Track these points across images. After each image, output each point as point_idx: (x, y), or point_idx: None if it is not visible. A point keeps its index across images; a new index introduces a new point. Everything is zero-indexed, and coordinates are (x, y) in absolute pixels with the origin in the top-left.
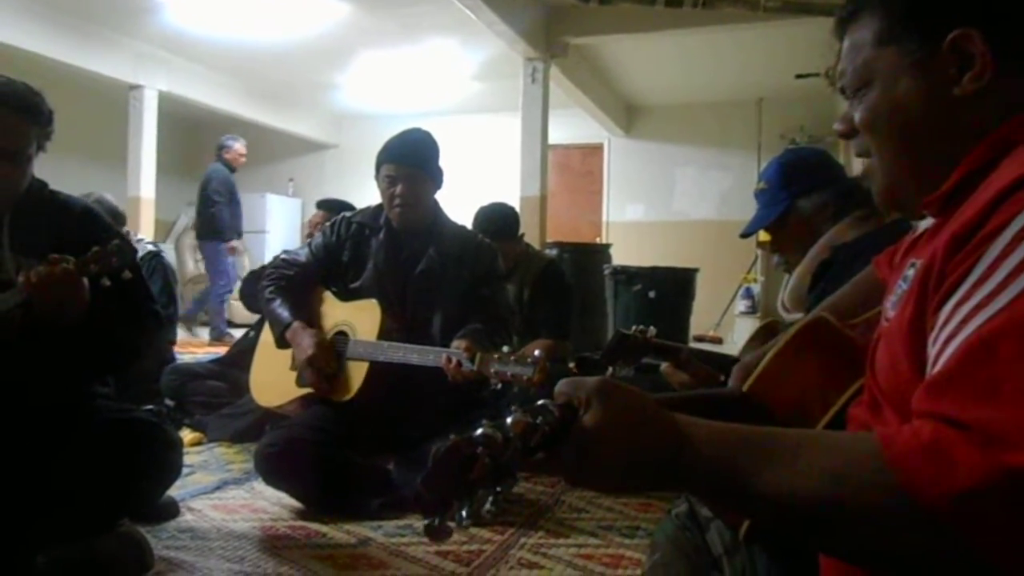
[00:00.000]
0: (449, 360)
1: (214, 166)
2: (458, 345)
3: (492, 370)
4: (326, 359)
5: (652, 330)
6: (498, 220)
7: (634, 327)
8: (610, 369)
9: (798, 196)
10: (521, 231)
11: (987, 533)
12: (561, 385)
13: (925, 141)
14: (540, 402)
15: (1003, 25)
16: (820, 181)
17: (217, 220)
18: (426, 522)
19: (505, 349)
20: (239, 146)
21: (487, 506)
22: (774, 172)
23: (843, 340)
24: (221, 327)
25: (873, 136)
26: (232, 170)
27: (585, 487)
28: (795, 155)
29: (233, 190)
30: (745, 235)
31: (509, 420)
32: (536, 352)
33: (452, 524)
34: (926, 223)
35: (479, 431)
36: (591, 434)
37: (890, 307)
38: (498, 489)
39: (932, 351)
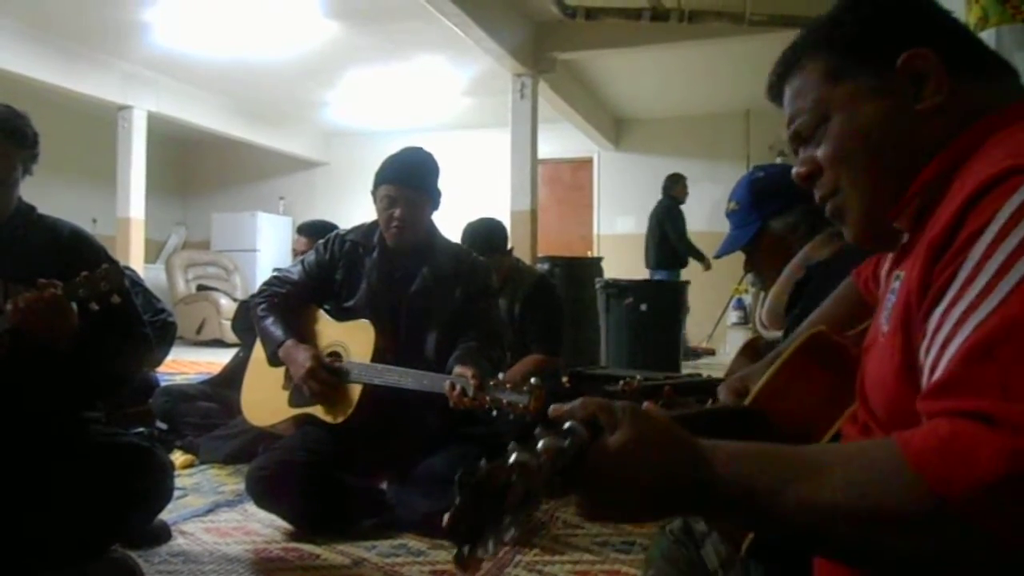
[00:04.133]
0: (453, 387)
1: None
2: (462, 372)
3: (487, 398)
4: (324, 371)
5: (638, 378)
6: (486, 235)
7: (620, 381)
8: None
9: (770, 217)
10: (510, 246)
11: (1018, 523)
12: (584, 402)
13: (896, 159)
14: (567, 424)
15: (947, 37)
16: (791, 199)
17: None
18: (456, 552)
19: (500, 376)
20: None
21: (512, 532)
22: (744, 193)
23: (843, 353)
24: None
25: (843, 167)
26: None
27: (604, 514)
28: (765, 175)
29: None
30: (719, 256)
31: (540, 444)
32: (532, 380)
33: (481, 553)
34: None
35: (513, 457)
36: (618, 455)
37: (884, 321)
38: (523, 515)
39: (927, 359)
